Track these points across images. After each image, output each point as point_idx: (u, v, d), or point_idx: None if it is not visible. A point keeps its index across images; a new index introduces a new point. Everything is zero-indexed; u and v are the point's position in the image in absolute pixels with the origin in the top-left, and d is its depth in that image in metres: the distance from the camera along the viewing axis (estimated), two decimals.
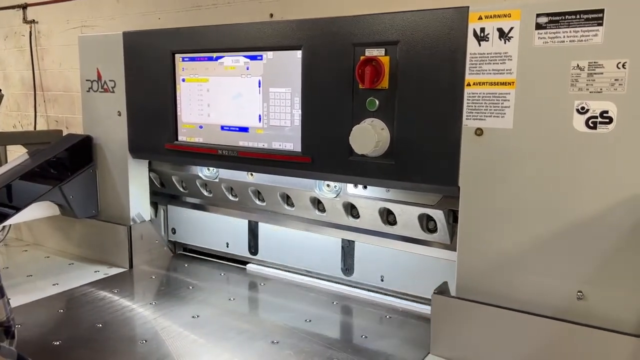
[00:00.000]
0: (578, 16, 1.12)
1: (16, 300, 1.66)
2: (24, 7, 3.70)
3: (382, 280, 1.71)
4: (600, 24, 1.11)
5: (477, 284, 1.31)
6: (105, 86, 1.95)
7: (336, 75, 1.45)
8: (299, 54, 1.51)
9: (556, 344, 1.20)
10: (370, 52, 1.39)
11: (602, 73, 1.12)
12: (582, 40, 1.13)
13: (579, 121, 1.15)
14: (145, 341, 1.42)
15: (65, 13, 3.49)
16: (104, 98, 1.96)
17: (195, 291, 1.77)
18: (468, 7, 1.25)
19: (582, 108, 1.14)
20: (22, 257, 2.12)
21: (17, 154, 2.04)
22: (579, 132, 1.15)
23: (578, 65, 1.13)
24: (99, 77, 1.96)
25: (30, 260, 2.08)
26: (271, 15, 2.58)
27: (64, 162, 1.92)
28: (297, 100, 1.54)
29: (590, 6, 1.11)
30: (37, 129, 3.73)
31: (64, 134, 2.14)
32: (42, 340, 1.42)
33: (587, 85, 1.13)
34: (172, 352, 1.37)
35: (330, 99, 1.47)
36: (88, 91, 2.00)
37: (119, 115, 1.92)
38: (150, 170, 2.05)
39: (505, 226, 1.26)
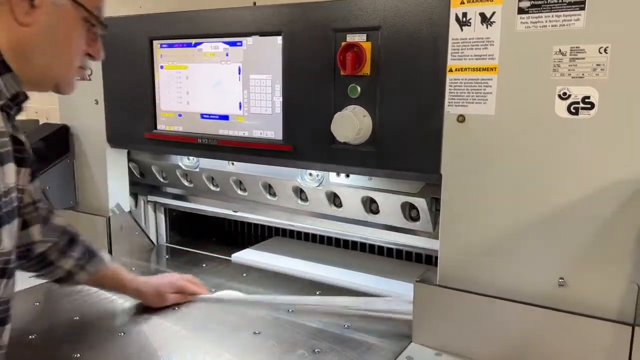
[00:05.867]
0: (560, 0, 1.11)
1: None
2: None
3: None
4: (582, 9, 1.09)
5: (459, 271, 1.30)
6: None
7: (317, 62, 1.42)
8: (279, 39, 1.48)
9: (538, 331, 1.20)
10: (352, 38, 1.36)
11: (583, 58, 1.11)
12: (564, 25, 1.11)
13: (560, 107, 1.14)
14: (124, 333, 1.40)
15: None
16: (81, 86, 1.90)
17: None
18: None
19: (564, 94, 1.13)
20: None
21: None
22: (561, 118, 1.14)
23: (560, 50, 1.12)
24: None
25: None
26: (254, 4, 2.54)
27: (40, 153, 1.86)
28: (278, 87, 1.51)
29: None
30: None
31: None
32: (16, 334, 1.37)
33: (569, 70, 1.12)
34: (153, 343, 1.35)
35: (311, 86, 1.45)
36: None
37: (96, 103, 1.88)
38: (130, 160, 2.01)
39: (488, 213, 1.25)
